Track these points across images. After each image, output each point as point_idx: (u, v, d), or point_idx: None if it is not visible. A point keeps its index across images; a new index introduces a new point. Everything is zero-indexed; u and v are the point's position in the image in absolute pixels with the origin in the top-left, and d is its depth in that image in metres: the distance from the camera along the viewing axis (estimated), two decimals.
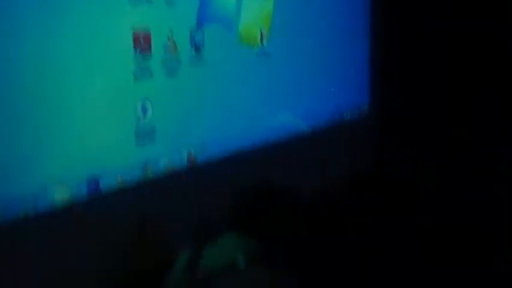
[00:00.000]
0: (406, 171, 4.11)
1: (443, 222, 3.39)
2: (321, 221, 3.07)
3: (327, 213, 3.19)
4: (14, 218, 1.91)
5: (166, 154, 2.50)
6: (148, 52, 2.35)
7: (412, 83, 4.03)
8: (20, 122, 1.95)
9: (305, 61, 3.29)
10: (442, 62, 3.93)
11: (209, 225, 2.50)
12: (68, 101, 2.10)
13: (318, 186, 3.43)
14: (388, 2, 3.97)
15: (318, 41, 3.38)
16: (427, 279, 2.74)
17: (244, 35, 2.87)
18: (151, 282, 2.12)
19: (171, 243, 2.37)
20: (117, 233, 2.20)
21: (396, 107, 4.05)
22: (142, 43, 2.33)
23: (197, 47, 2.60)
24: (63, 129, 2.09)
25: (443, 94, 3.94)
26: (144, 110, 2.36)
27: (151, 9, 2.37)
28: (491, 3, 3.75)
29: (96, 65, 2.18)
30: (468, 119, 3.89)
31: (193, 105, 2.63)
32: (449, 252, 2.98)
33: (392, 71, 4.03)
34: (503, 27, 3.72)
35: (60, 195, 2.09)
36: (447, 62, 3.91)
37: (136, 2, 2.30)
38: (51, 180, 2.07)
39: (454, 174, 3.94)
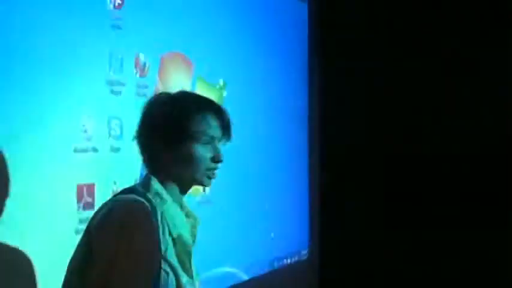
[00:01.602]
0: None
1: None
2: None
3: None
4: None
5: None
6: (91, 207, 2.19)
7: (352, 223, 4.06)
8: None
9: (246, 208, 3.23)
10: (378, 201, 4.00)
11: None
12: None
13: None
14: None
15: (260, 185, 3.37)
16: None
17: None
18: None
19: None
20: None
21: (336, 248, 4.04)
22: (85, 196, 2.18)
23: None
24: None
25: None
26: None
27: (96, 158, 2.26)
28: None
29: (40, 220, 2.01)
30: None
31: None
32: None
33: (331, 218, 4.06)
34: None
35: None
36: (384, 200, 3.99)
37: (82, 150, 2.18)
38: None
39: None
